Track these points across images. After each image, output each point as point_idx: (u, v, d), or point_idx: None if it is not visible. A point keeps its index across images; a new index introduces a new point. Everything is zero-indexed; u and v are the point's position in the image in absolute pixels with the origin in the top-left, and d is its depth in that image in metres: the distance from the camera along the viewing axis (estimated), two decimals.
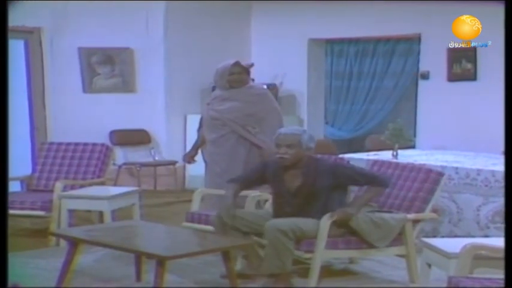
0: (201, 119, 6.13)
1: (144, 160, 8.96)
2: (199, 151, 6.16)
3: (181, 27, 9.20)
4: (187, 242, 4.56)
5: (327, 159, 5.01)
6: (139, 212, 6.21)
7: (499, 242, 3.56)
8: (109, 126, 8.89)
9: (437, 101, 8.68)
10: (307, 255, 4.56)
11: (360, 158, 6.49)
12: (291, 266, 4.53)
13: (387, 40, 9.41)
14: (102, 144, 6.82)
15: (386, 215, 4.71)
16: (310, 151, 4.72)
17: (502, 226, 5.07)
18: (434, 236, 5.71)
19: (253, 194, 5.25)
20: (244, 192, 5.11)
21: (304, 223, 4.54)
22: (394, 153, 6.50)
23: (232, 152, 5.66)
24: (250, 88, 5.86)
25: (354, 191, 5.22)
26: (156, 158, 9.05)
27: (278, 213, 4.74)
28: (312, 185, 4.64)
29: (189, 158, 6.13)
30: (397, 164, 5.36)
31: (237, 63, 5.76)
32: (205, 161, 6.09)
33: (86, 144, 6.78)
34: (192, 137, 8.92)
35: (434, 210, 5.08)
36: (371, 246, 4.66)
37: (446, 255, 3.91)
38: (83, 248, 4.54)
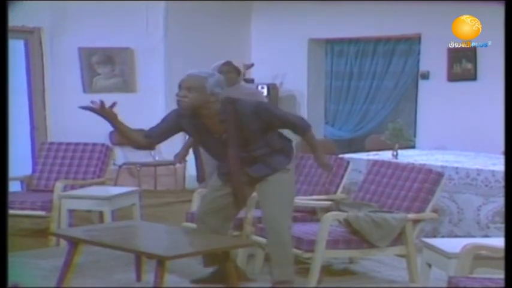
0: None
1: (144, 160, 8.95)
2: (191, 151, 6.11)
3: (182, 27, 9.20)
4: (187, 242, 4.56)
5: (246, 100, 4.48)
6: (140, 212, 6.21)
7: (499, 242, 3.56)
8: (109, 126, 8.83)
9: (438, 101, 8.68)
10: (307, 255, 4.57)
11: (360, 158, 6.49)
12: None
13: (387, 40, 9.40)
14: (102, 144, 6.82)
15: (387, 215, 4.72)
16: (216, 97, 4.26)
17: (502, 226, 5.06)
18: (435, 236, 5.71)
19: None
20: None
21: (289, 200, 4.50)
22: (394, 153, 6.50)
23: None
24: (240, 88, 5.84)
25: (354, 191, 5.23)
26: (156, 158, 9.05)
27: (222, 166, 4.52)
28: (240, 131, 4.29)
29: (180, 158, 6.08)
30: (397, 164, 5.36)
31: (227, 63, 5.74)
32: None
33: (86, 144, 6.78)
34: None
35: (435, 210, 5.09)
36: (371, 246, 4.66)
37: (447, 255, 3.91)
38: (83, 248, 4.54)
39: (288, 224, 4.45)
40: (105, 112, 4.50)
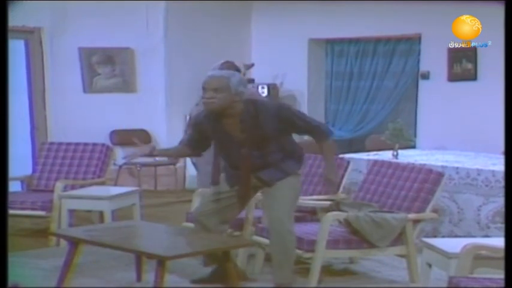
0: (189, 120, 5.99)
1: (145, 160, 8.94)
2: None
3: (182, 27, 9.20)
4: (187, 242, 4.55)
5: (267, 101, 4.58)
6: (140, 212, 6.21)
7: (500, 242, 3.56)
8: (109, 126, 8.89)
9: (438, 101, 8.67)
10: (308, 255, 4.57)
11: (360, 158, 6.49)
12: None
13: (387, 40, 9.40)
14: (103, 144, 6.82)
15: (387, 215, 4.72)
16: (241, 96, 4.30)
17: (503, 226, 5.06)
18: (435, 236, 5.71)
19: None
20: None
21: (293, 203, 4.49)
22: (395, 153, 6.50)
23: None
24: None
25: (354, 191, 5.22)
26: (157, 158, 9.03)
27: (232, 167, 4.52)
28: (260, 132, 4.30)
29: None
30: (398, 164, 5.36)
31: (227, 62, 5.74)
32: (193, 163, 6.03)
33: (86, 144, 6.78)
34: None
35: (435, 210, 5.09)
36: (371, 246, 4.66)
37: (447, 255, 3.91)
38: (83, 248, 4.54)
39: (292, 227, 4.45)
40: (154, 155, 4.73)
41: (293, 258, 4.48)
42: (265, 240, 4.78)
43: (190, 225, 5.34)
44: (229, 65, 5.74)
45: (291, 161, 4.49)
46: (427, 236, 5.47)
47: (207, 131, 4.50)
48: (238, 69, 5.81)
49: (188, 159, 9.26)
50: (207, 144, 4.64)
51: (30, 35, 8.45)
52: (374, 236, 4.61)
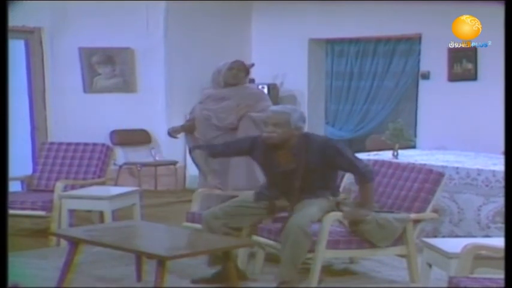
0: (192, 117, 5.94)
1: (145, 160, 8.96)
2: (188, 155, 6.08)
3: (182, 27, 9.20)
4: (187, 242, 4.56)
5: (317, 136, 4.83)
6: (140, 212, 6.21)
7: (500, 242, 3.56)
8: (109, 126, 8.89)
9: (438, 101, 8.67)
10: (308, 255, 4.56)
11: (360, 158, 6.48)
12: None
13: (388, 40, 9.40)
14: (103, 144, 6.82)
15: (389, 216, 4.70)
16: (300, 130, 4.59)
17: (503, 226, 5.06)
18: (435, 236, 5.71)
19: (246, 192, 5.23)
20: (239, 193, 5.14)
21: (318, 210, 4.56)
22: (395, 153, 6.50)
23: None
24: (246, 88, 5.83)
25: (354, 191, 5.22)
26: (157, 158, 9.05)
27: (274, 195, 4.70)
28: (306, 164, 4.53)
29: (174, 132, 6.01)
30: (398, 164, 5.36)
31: (238, 61, 5.75)
32: (195, 163, 6.02)
33: (86, 144, 6.78)
34: None
35: (435, 210, 5.08)
36: (372, 246, 4.65)
37: (447, 255, 3.91)
38: (83, 248, 4.54)
39: (307, 229, 4.44)
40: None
41: (300, 258, 4.47)
42: (265, 240, 4.79)
43: (191, 225, 5.35)
44: (239, 64, 5.74)
45: (326, 191, 4.69)
46: (427, 236, 5.47)
47: (253, 157, 4.77)
48: (247, 70, 5.82)
49: (188, 159, 9.26)
50: (225, 155, 5.03)
51: (30, 35, 8.45)
52: (377, 237, 4.61)
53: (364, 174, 4.62)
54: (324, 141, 4.68)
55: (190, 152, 5.97)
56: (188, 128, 5.94)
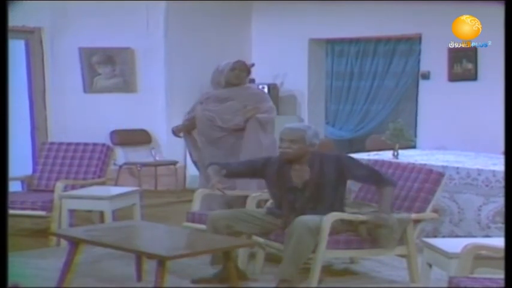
0: (191, 116, 5.92)
1: (145, 160, 8.96)
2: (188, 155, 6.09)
3: (182, 27, 9.20)
4: (188, 242, 4.56)
5: (331, 154, 5.04)
6: (140, 212, 6.21)
7: (500, 242, 3.56)
8: (110, 126, 8.89)
9: (438, 101, 8.67)
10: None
11: (360, 158, 6.48)
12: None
13: (388, 40, 9.41)
14: (103, 144, 6.82)
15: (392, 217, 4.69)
16: (314, 147, 4.73)
17: (503, 226, 5.06)
18: (435, 236, 5.71)
19: (253, 194, 5.25)
20: (245, 193, 5.17)
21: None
22: (395, 153, 6.49)
23: (232, 152, 5.63)
24: (248, 88, 5.83)
25: (354, 191, 5.22)
26: (157, 158, 9.05)
27: (285, 209, 4.73)
28: (319, 180, 4.66)
29: (178, 131, 6.00)
30: (398, 164, 5.36)
31: (240, 61, 5.75)
32: (194, 162, 6.03)
33: (86, 144, 6.78)
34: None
35: (435, 210, 5.08)
36: (372, 246, 4.65)
37: (447, 255, 3.90)
38: (83, 248, 4.54)
39: (312, 227, 4.45)
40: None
41: (303, 257, 4.47)
42: (266, 241, 4.79)
43: (191, 225, 5.35)
44: (241, 64, 5.74)
45: (334, 207, 4.70)
46: (427, 236, 5.47)
47: (265, 174, 4.82)
48: (249, 70, 5.82)
49: (188, 159, 9.26)
50: (244, 177, 5.12)
51: (31, 35, 8.44)
52: (383, 240, 4.61)
53: (387, 179, 4.73)
54: (337, 156, 4.88)
55: (195, 163, 5.98)
56: (187, 128, 5.93)
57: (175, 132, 6.03)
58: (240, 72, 5.71)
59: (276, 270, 4.59)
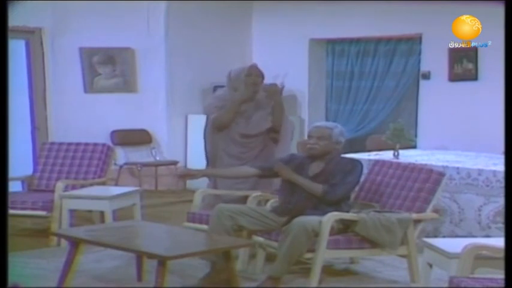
0: (208, 127, 5.82)
1: (145, 160, 8.96)
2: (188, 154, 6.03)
3: (182, 27, 9.20)
4: (188, 242, 4.56)
5: (350, 158, 5.19)
6: (141, 212, 6.21)
7: (500, 242, 3.56)
8: (110, 126, 8.89)
9: (439, 101, 8.67)
10: (308, 255, 4.56)
11: (361, 158, 6.47)
12: None
13: (388, 40, 9.40)
14: (103, 144, 6.82)
15: (392, 217, 4.68)
16: (340, 145, 4.98)
17: (503, 226, 5.06)
18: (436, 236, 5.71)
19: (254, 194, 5.26)
20: (245, 192, 5.21)
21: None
22: (395, 153, 6.50)
23: (256, 161, 5.58)
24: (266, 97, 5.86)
25: (355, 191, 5.22)
26: (157, 158, 9.05)
27: (294, 199, 4.82)
28: (329, 174, 4.81)
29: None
30: (398, 164, 5.36)
31: (253, 65, 5.76)
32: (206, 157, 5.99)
33: (87, 144, 6.78)
34: (192, 137, 8.94)
35: (436, 210, 5.08)
36: (372, 246, 4.65)
37: (448, 255, 3.90)
38: (84, 248, 4.54)
39: (310, 228, 4.47)
40: None
41: (295, 255, 4.47)
42: (266, 241, 4.79)
43: (191, 225, 5.35)
44: (256, 69, 5.78)
45: (337, 209, 4.75)
46: (428, 236, 5.46)
47: (288, 164, 4.93)
48: (262, 75, 5.80)
49: (188, 159, 9.28)
50: (272, 176, 5.14)
51: (31, 35, 8.45)
52: (385, 241, 4.62)
53: (325, 193, 4.76)
54: (351, 159, 5.09)
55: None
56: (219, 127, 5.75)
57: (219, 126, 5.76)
58: (256, 78, 5.73)
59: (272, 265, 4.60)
